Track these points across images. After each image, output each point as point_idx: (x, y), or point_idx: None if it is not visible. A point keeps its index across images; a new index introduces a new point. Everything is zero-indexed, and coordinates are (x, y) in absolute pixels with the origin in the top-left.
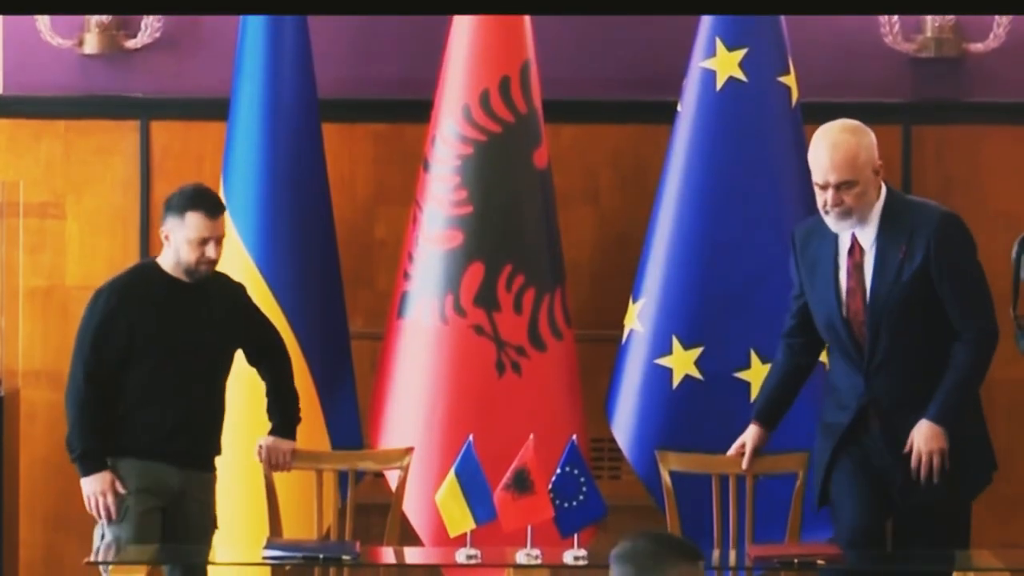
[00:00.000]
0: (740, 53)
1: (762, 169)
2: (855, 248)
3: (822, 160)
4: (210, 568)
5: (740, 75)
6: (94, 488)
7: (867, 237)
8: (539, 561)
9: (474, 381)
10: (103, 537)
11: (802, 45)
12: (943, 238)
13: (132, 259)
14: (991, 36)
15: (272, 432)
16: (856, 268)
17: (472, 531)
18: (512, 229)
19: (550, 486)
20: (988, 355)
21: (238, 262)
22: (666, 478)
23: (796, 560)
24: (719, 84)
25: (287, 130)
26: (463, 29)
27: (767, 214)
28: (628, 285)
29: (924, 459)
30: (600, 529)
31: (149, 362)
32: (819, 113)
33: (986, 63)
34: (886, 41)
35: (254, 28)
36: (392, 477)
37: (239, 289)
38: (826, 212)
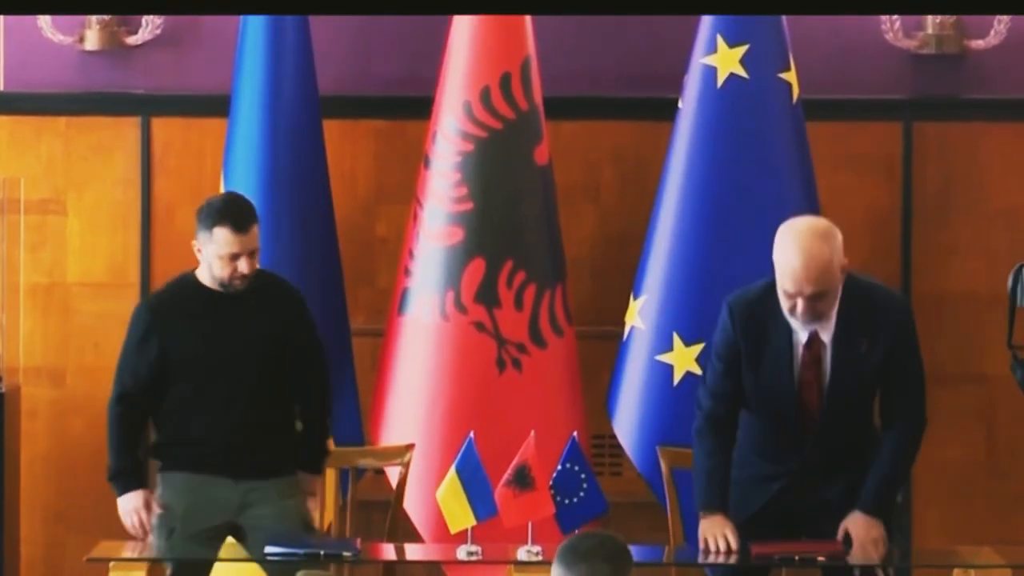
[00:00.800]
0: (741, 50)
1: (763, 166)
2: (814, 341)
3: (797, 272)
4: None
5: (741, 72)
6: (128, 507)
7: (827, 331)
8: (540, 558)
9: (475, 378)
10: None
11: (803, 42)
12: (902, 331)
13: (133, 256)
14: (992, 33)
15: (300, 467)
16: (814, 361)
17: (473, 528)
18: (513, 226)
19: (551, 482)
20: (919, 446)
21: None
22: (667, 474)
23: (797, 557)
24: (720, 81)
25: (288, 127)
26: (464, 26)
27: (768, 211)
28: (629, 282)
29: (864, 553)
30: (601, 525)
31: (191, 377)
32: (820, 110)
33: (987, 60)
34: (887, 38)
35: (255, 25)
36: (393, 474)
37: (292, 299)
38: (792, 316)
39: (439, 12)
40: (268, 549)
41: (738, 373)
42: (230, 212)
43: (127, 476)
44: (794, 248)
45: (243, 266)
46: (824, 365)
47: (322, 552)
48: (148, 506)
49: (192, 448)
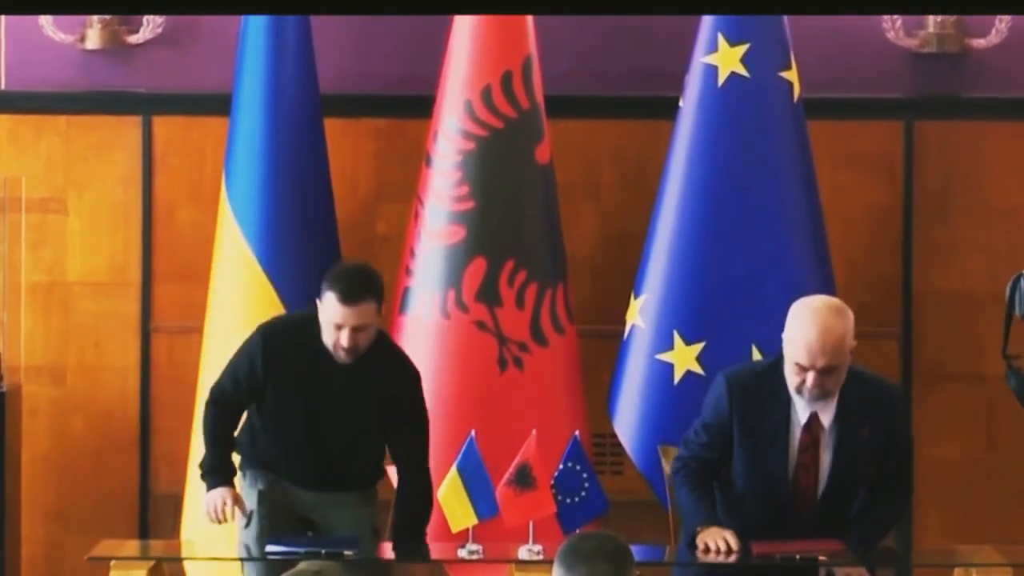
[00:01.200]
0: (742, 49)
1: (764, 165)
2: (813, 424)
3: (812, 344)
4: (213, 564)
5: (742, 71)
6: (212, 498)
7: (827, 415)
8: (541, 557)
9: (476, 376)
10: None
11: (804, 41)
12: (900, 418)
13: (134, 255)
14: (993, 32)
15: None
16: (812, 443)
17: (474, 527)
18: (514, 225)
19: (552, 482)
20: (901, 518)
21: (240, 257)
22: (668, 473)
23: (798, 556)
24: (721, 80)
25: (289, 125)
26: (465, 25)
27: (769, 210)
28: (630, 280)
29: None
30: (602, 524)
31: (281, 420)
32: (821, 108)
33: (988, 59)
34: (888, 37)
35: (256, 24)
36: (394, 473)
37: (403, 379)
38: (800, 392)
39: (439, 12)
40: (269, 548)
41: (721, 448)
42: (342, 280)
43: (217, 474)
44: (811, 321)
45: (344, 339)
46: (822, 448)
47: (324, 550)
48: (234, 500)
49: (271, 464)
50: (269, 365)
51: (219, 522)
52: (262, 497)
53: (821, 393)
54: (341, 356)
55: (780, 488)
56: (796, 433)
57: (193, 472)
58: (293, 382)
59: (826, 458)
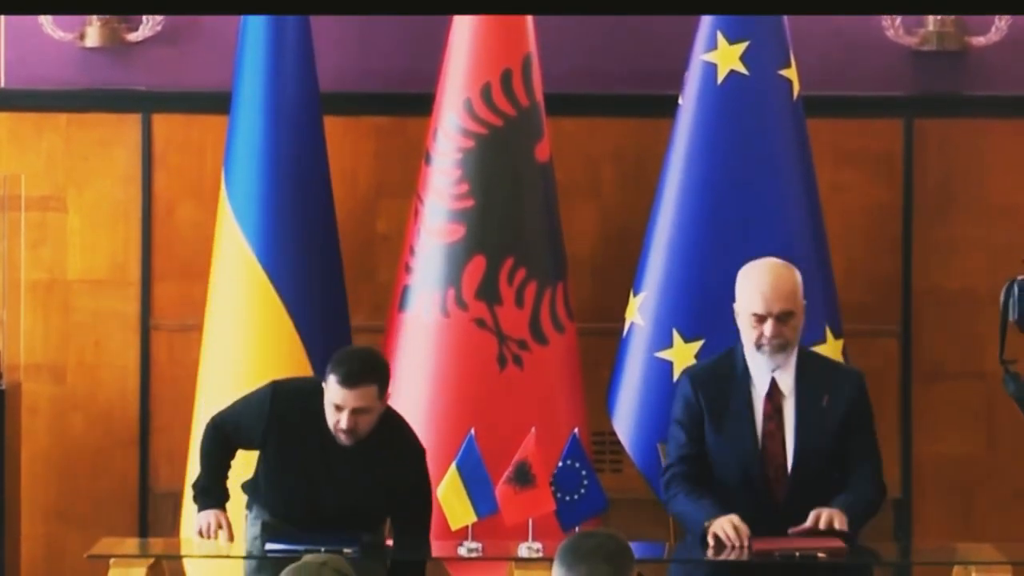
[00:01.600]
0: (741, 46)
1: (764, 163)
2: (774, 392)
3: (766, 290)
4: (212, 562)
5: (741, 68)
6: (204, 518)
7: (786, 382)
8: (541, 554)
9: (475, 374)
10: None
11: (803, 38)
12: (862, 397)
13: (134, 253)
14: (993, 30)
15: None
16: (776, 411)
17: (473, 524)
18: (513, 223)
19: (551, 479)
20: (878, 509)
21: (240, 256)
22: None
23: (798, 554)
24: (720, 77)
25: (289, 123)
26: (465, 22)
27: (768, 208)
28: (629, 278)
29: (825, 518)
30: (602, 522)
31: (283, 472)
32: (821, 106)
33: (988, 57)
34: (888, 34)
35: (256, 21)
36: None
37: (406, 459)
38: (760, 346)
39: (439, 12)
40: (269, 546)
41: (701, 439)
42: (345, 363)
43: (209, 495)
44: (761, 271)
45: (343, 421)
46: (786, 417)
47: (323, 548)
48: (220, 524)
49: (272, 510)
50: (271, 426)
51: (209, 538)
52: (265, 527)
53: (780, 343)
54: (341, 438)
55: (752, 463)
56: (759, 406)
57: (193, 470)
58: (295, 447)
59: (791, 425)
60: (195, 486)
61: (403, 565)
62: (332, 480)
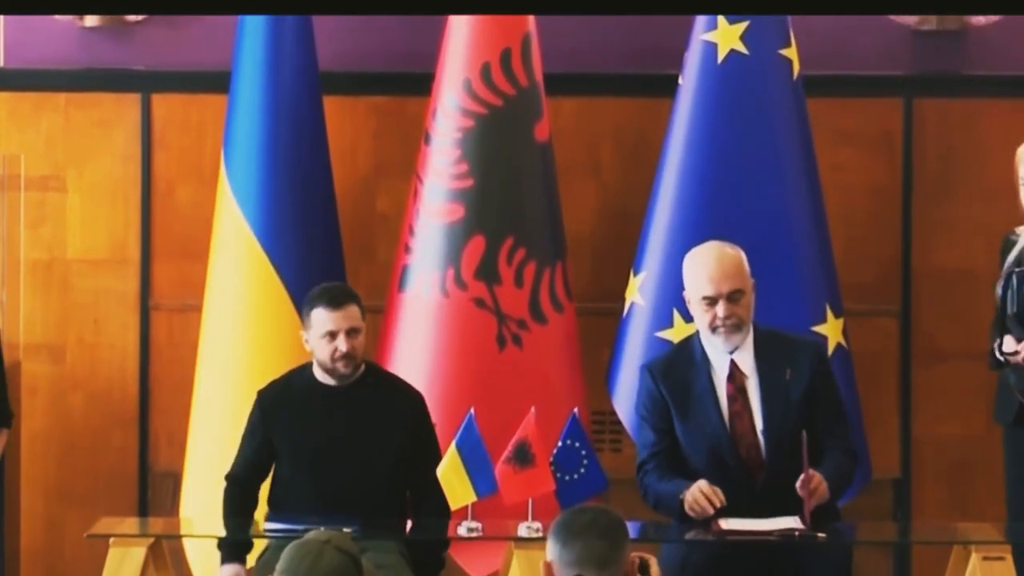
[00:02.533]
0: (741, 26)
1: (763, 142)
2: (735, 373)
3: (713, 272)
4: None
5: (741, 48)
6: (225, 572)
7: (746, 361)
8: (540, 534)
9: (475, 354)
10: None
11: (803, 18)
12: (823, 366)
13: (133, 232)
14: None
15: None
16: (739, 392)
17: (473, 504)
18: (513, 202)
19: (551, 459)
20: (852, 478)
21: (239, 235)
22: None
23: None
24: (720, 57)
25: (288, 103)
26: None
27: (768, 187)
28: (629, 258)
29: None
30: (602, 502)
31: (294, 467)
32: (821, 86)
33: (987, 36)
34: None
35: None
36: None
37: (410, 403)
38: (715, 329)
39: (440, 12)
40: (267, 524)
41: (669, 431)
42: (324, 292)
43: (230, 549)
44: (706, 254)
45: (342, 344)
46: (749, 395)
47: (322, 528)
48: None
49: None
50: (269, 425)
51: None
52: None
53: (734, 323)
54: (341, 368)
55: (723, 446)
56: (722, 388)
57: (192, 450)
58: (297, 431)
59: (756, 404)
60: (219, 539)
61: (425, 548)
62: (340, 449)
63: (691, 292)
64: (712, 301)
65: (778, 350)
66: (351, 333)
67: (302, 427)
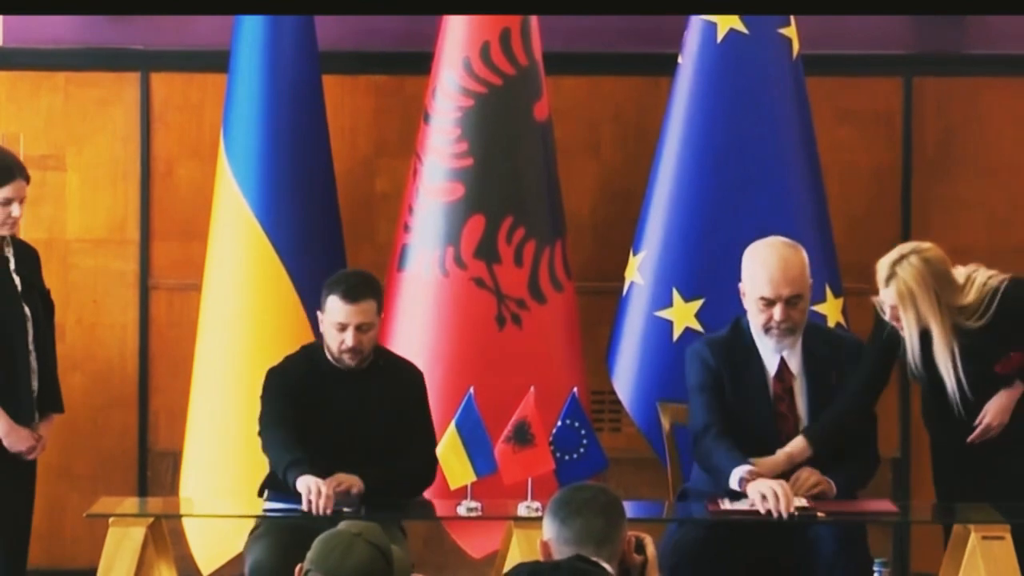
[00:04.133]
0: None
1: (763, 121)
2: (784, 372)
3: (775, 274)
4: (211, 521)
5: (741, 27)
6: (304, 483)
7: (795, 362)
8: (540, 514)
9: (475, 334)
10: None
11: None
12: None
13: (133, 212)
14: None
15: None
16: (786, 392)
17: (473, 484)
18: (513, 182)
19: (551, 438)
20: (867, 482)
21: (238, 215)
22: (667, 430)
23: (796, 513)
24: (720, 36)
25: (287, 82)
26: None
27: (767, 166)
28: (629, 237)
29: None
30: (601, 481)
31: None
32: (820, 65)
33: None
34: None
35: None
36: None
37: (411, 379)
38: (768, 329)
39: (439, 12)
40: (266, 505)
41: (723, 405)
42: (343, 281)
43: (298, 465)
44: (769, 254)
45: (349, 338)
46: (796, 397)
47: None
48: (320, 489)
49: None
50: (281, 389)
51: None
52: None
53: (789, 327)
54: (346, 360)
55: (768, 441)
56: (771, 386)
57: (192, 430)
58: (305, 406)
59: (802, 406)
60: (281, 469)
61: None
62: (346, 430)
63: (749, 288)
64: (770, 303)
65: (825, 350)
66: (361, 328)
67: (310, 406)
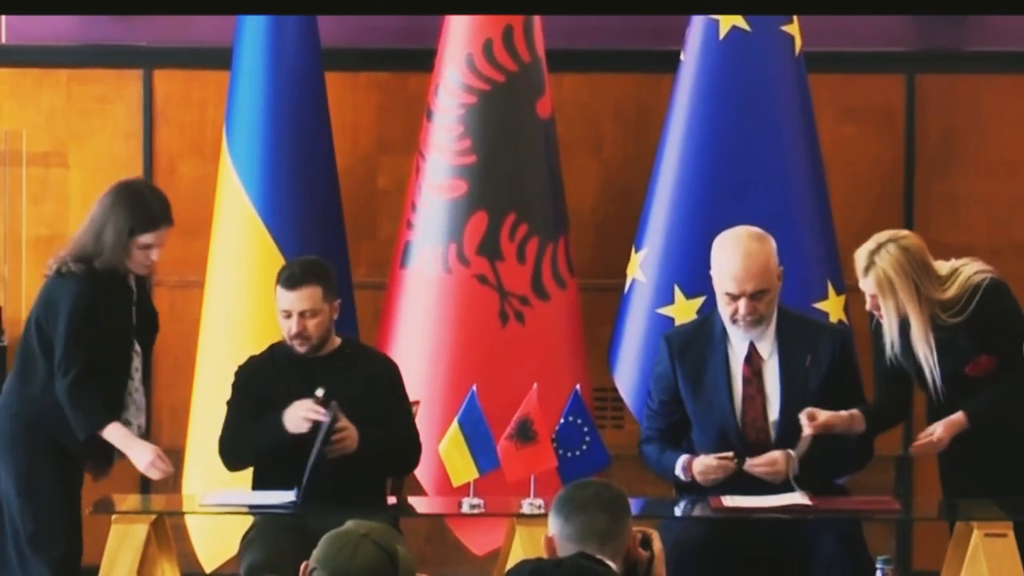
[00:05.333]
0: None
1: (765, 118)
2: (753, 356)
3: (736, 270)
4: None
5: (743, 24)
6: (294, 410)
7: (766, 345)
8: (542, 511)
9: (477, 331)
10: None
11: None
12: (844, 353)
13: None
14: None
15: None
16: (755, 375)
17: (475, 481)
18: (515, 179)
19: (553, 435)
20: (859, 469)
21: (241, 212)
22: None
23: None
24: (722, 33)
25: (290, 79)
26: None
27: (770, 163)
28: (631, 234)
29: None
30: (603, 478)
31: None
32: (822, 62)
33: None
34: None
35: None
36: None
37: (380, 370)
38: (735, 322)
39: (439, 12)
40: (206, 499)
41: (673, 410)
42: (286, 268)
43: (271, 421)
44: (733, 248)
45: (293, 324)
46: (765, 380)
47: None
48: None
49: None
50: (249, 387)
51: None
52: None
53: (755, 319)
54: (297, 347)
55: (731, 428)
56: (737, 369)
57: (195, 426)
58: (276, 401)
59: (773, 389)
60: (264, 430)
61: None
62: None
63: (715, 281)
64: (735, 297)
65: (800, 336)
66: (305, 314)
67: (281, 400)
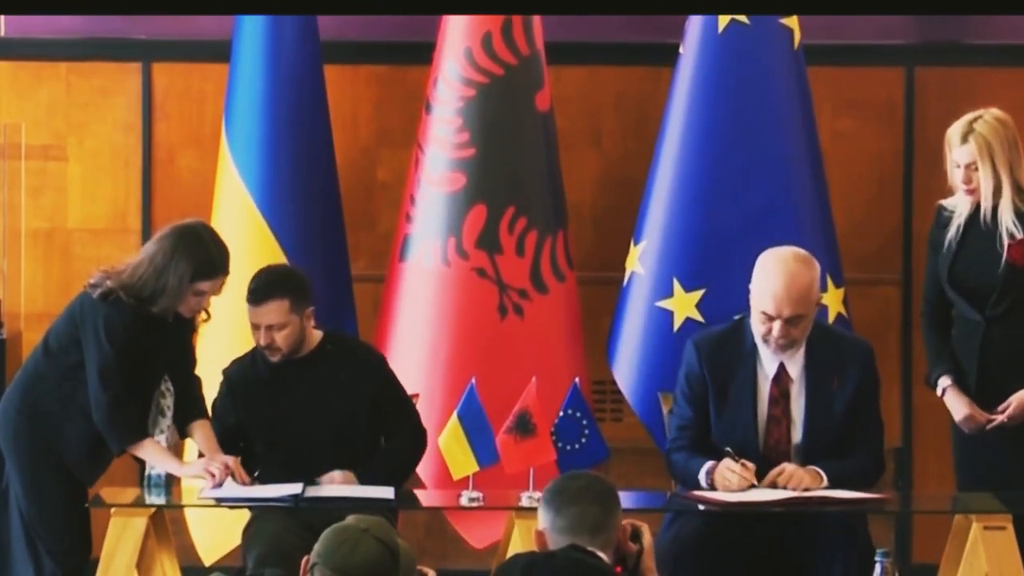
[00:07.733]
0: None
1: (764, 112)
2: (782, 376)
3: (778, 292)
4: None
5: (742, 17)
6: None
7: (795, 366)
8: None
9: (476, 324)
10: None
11: None
12: (869, 372)
13: (134, 201)
14: None
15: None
16: (783, 396)
17: (475, 474)
18: (514, 172)
19: (552, 429)
20: (871, 483)
21: (240, 205)
22: (667, 420)
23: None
24: (721, 26)
25: (289, 72)
26: None
27: (769, 156)
28: (630, 228)
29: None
30: (602, 471)
31: (267, 443)
32: (821, 55)
33: None
34: None
35: None
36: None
37: (370, 367)
38: (766, 341)
39: (439, 12)
40: (205, 493)
41: (705, 410)
42: (252, 281)
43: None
44: (777, 270)
45: (261, 337)
46: (792, 402)
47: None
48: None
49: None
50: (234, 394)
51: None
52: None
53: (787, 343)
54: (268, 356)
55: (750, 446)
56: (765, 387)
57: None
58: (263, 403)
59: (798, 411)
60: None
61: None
62: (308, 420)
63: (753, 297)
64: (770, 318)
65: (829, 354)
66: (272, 328)
67: (268, 402)
